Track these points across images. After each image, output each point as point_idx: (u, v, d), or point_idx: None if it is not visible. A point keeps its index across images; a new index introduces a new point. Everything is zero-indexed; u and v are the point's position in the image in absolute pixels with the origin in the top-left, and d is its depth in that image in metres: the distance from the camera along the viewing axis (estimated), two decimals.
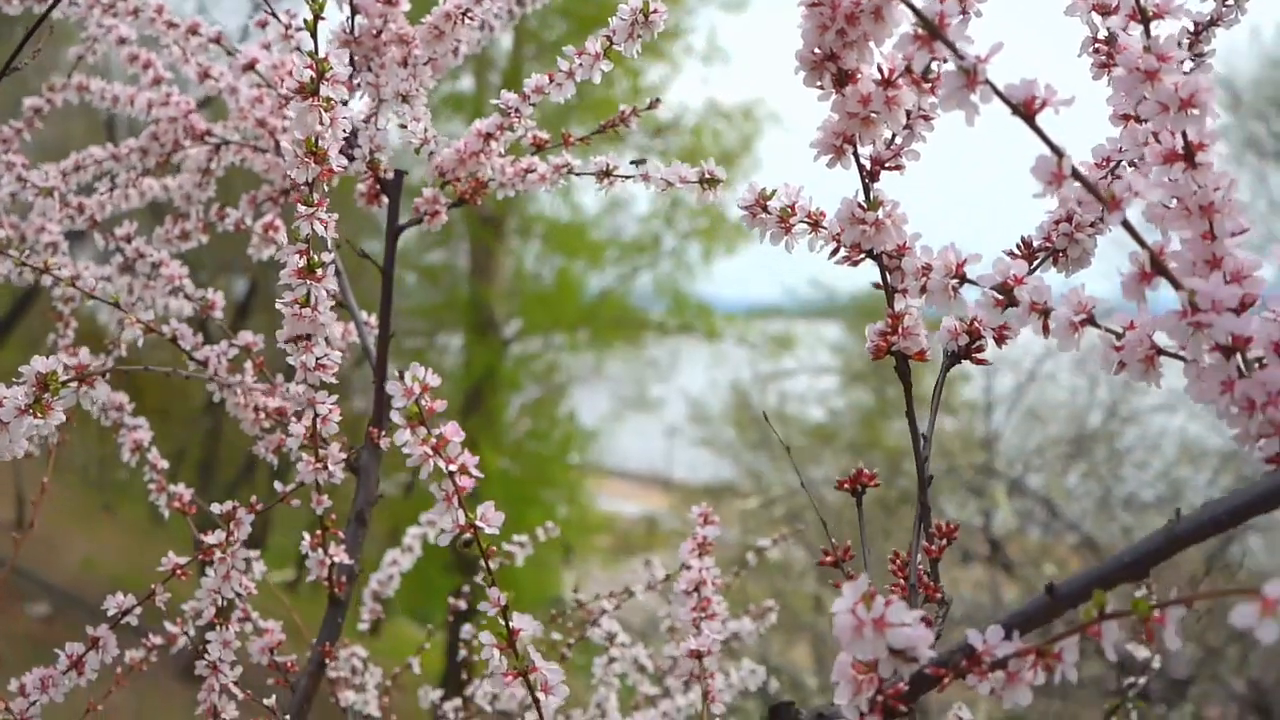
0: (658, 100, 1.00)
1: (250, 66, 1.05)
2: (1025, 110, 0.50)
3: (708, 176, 0.82)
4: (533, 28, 9.18)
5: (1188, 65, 0.71)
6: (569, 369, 12.58)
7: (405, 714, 1.32)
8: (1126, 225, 0.50)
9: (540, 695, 0.64)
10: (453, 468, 0.62)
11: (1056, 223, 0.68)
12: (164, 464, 1.09)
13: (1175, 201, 0.54)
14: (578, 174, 0.96)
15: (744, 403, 9.89)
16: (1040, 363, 6.34)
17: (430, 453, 0.61)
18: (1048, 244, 0.68)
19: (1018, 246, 0.69)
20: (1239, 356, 0.51)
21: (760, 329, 11.04)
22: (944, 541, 0.61)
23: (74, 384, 0.66)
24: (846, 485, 0.65)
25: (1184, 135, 0.53)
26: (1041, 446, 6.62)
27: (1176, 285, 0.51)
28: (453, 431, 0.62)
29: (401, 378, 0.60)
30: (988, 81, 0.50)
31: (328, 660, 0.98)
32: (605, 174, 0.94)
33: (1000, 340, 0.67)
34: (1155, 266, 0.51)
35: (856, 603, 0.50)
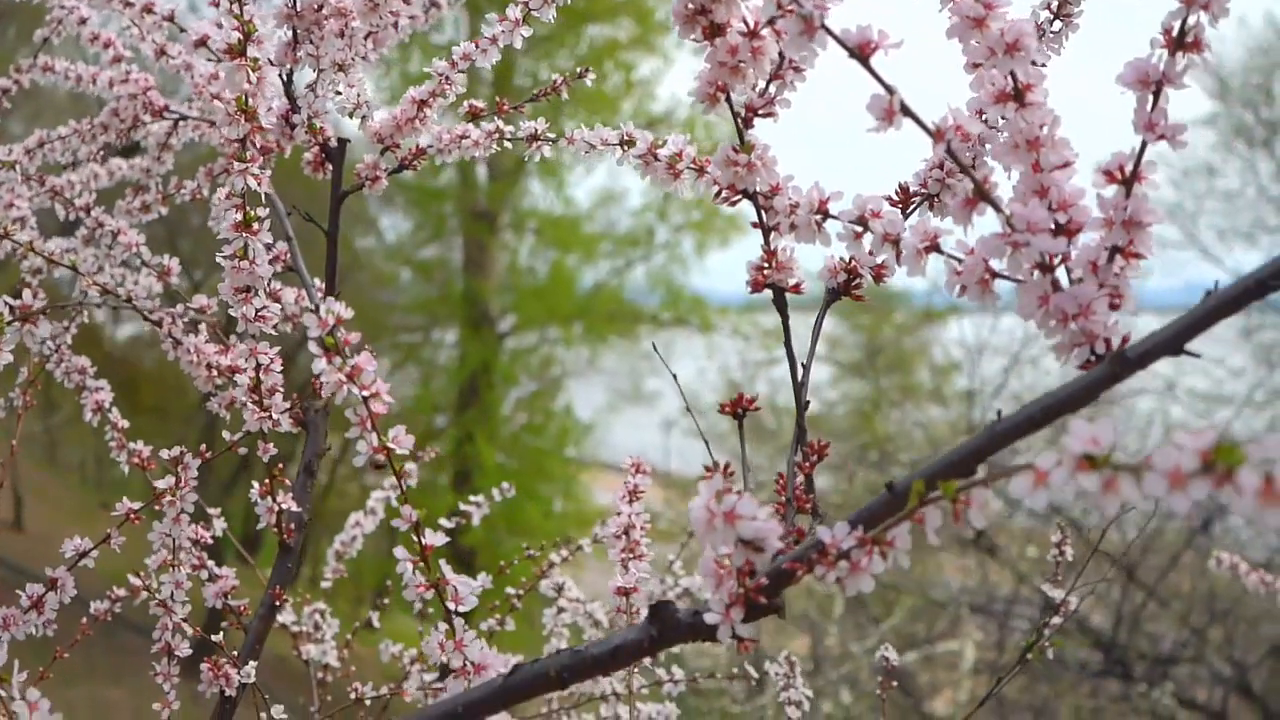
0: (588, 70, 1.06)
1: (202, 43, 1.10)
2: (860, 53, 0.56)
3: (627, 139, 0.88)
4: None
5: (1057, 25, 0.77)
6: (564, 363, 12.62)
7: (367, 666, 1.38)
8: (950, 153, 0.56)
9: (451, 605, 0.69)
10: (366, 393, 0.67)
11: (930, 169, 0.73)
12: (124, 423, 1.14)
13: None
14: (509, 139, 1.02)
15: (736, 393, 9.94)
16: (1024, 347, 6.40)
17: (345, 379, 0.66)
18: (923, 189, 0.73)
19: (895, 192, 0.74)
20: (1055, 274, 0.56)
21: (754, 322, 11.10)
22: (815, 458, 0.67)
23: (17, 323, 0.71)
24: (728, 409, 0.71)
25: (1013, 76, 0.59)
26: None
27: (999, 210, 0.56)
28: (366, 360, 0.67)
29: (317, 311, 0.66)
30: (824, 27, 0.55)
31: (278, 603, 1.03)
32: (534, 138, 1.00)
33: (878, 278, 0.73)
34: (979, 194, 0.57)
35: (710, 498, 0.55)
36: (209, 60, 1.10)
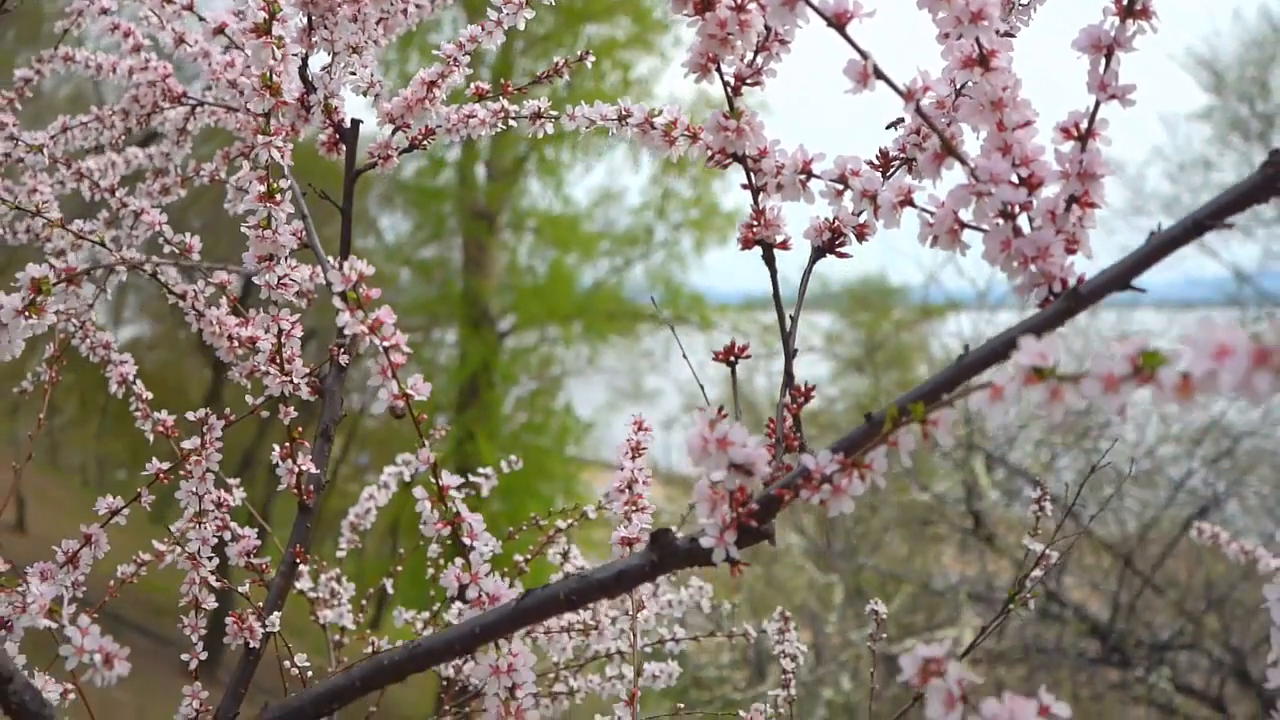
0: (587, 53, 1.11)
1: (220, 30, 1.16)
2: (837, 21, 0.61)
3: (624, 113, 0.93)
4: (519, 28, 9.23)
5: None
6: (564, 362, 12.67)
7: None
8: (919, 112, 0.61)
9: (467, 541, 0.75)
10: (388, 344, 0.72)
11: (908, 134, 0.79)
12: (149, 395, 1.20)
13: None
14: (512, 118, 1.07)
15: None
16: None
17: (367, 331, 0.72)
18: (902, 153, 0.79)
19: (876, 156, 0.80)
20: (1017, 221, 0.62)
21: (753, 319, 11.14)
22: (803, 400, 0.72)
23: (63, 285, 0.77)
24: (720, 357, 0.76)
25: (978, 43, 0.64)
26: (1025, 422, 6.74)
27: (964, 163, 0.62)
28: (386, 314, 0.73)
29: (340, 268, 0.71)
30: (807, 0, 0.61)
31: (298, 561, 1.09)
32: (537, 116, 1.05)
33: (860, 236, 0.78)
34: (946, 149, 0.62)
35: (705, 426, 0.61)
36: (226, 47, 1.16)
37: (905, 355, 10.54)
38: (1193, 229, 0.56)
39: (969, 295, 8.41)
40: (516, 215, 12.33)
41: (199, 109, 1.27)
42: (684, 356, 1.06)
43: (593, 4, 10.82)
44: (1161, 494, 6.70)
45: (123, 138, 1.28)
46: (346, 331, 0.72)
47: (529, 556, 1.41)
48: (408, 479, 1.57)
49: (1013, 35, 0.80)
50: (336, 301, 0.72)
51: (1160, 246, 0.57)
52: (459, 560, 0.75)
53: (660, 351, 12.63)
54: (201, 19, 1.18)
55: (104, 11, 1.28)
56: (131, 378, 1.20)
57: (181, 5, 1.18)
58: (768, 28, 0.69)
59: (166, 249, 1.18)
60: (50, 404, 1.26)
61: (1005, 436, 6.26)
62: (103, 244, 1.08)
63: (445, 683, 1.52)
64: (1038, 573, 1.14)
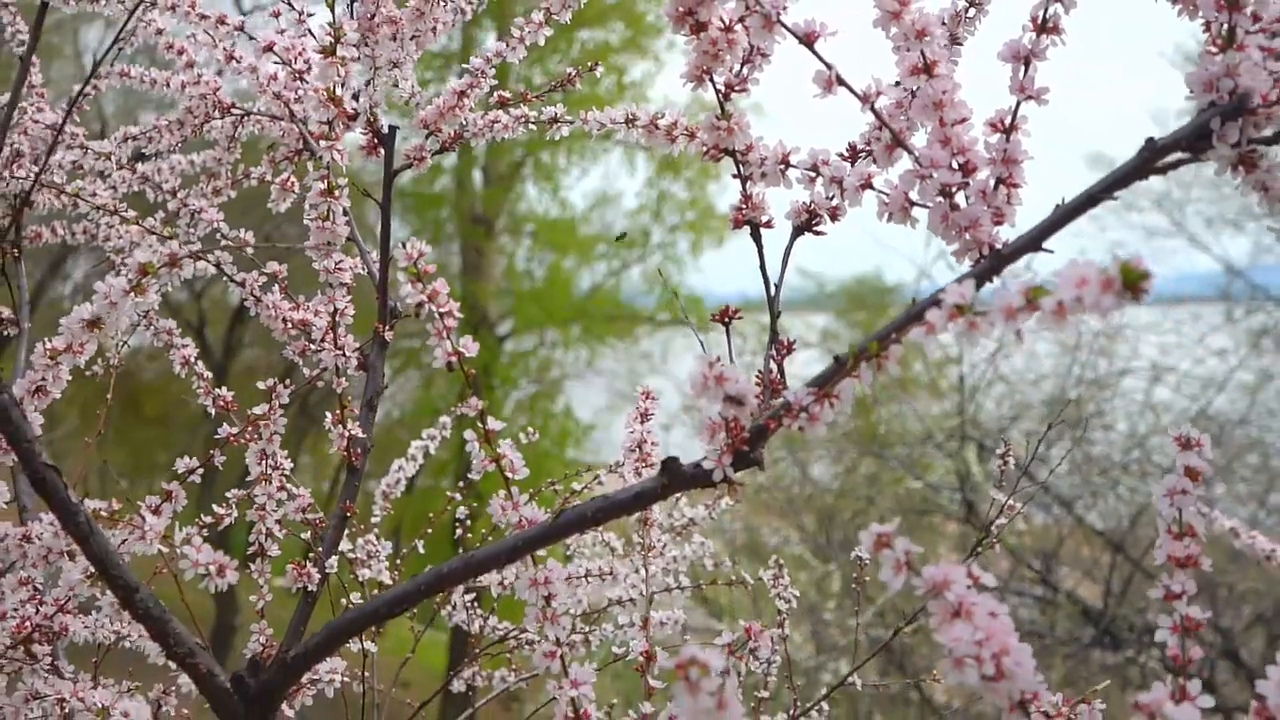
0: (597, 64, 1.26)
1: (269, 48, 1.31)
2: (807, 40, 0.76)
3: (631, 116, 1.08)
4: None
5: (971, 12, 0.97)
6: (563, 364, 12.80)
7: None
8: (873, 112, 0.76)
9: (509, 475, 0.90)
10: (442, 310, 0.87)
11: (870, 130, 0.93)
12: (209, 374, 1.34)
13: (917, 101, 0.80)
14: (532, 123, 1.22)
15: None
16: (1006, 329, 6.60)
17: (426, 299, 0.87)
18: (867, 146, 0.94)
19: (846, 149, 0.95)
20: (955, 199, 0.77)
21: (753, 320, 11.28)
22: (786, 351, 0.87)
23: (166, 268, 0.91)
24: (717, 318, 0.91)
25: (923, 55, 0.79)
26: (1017, 414, 6.90)
27: (910, 153, 0.77)
28: (441, 285, 0.88)
29: (404, 245, 0.86)
30: (780, 22, 0.76)
31: (348, 514, 1.23)
32: (554, 120, 1.20)
33: (834, 217, 0.93)
34: (895, 141, 0.77)
35: (704, 366, 0.75)
36: (274, 63, 1.31)
37: (902, 354, 10.66)
38: (1087, 201, 0.71)
39: None
40: (514, 219, 12.48)
41: (246, 118, 1.42)
42: (700, 344, 1.20)
43: (586, 9, 10.96)
44: (1151, 483, 6.85)
45: (180, 144, 1.43)
46: (407, 299, 0.87)
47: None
48: (431, 451, 1.72)
49: (960, 43, 0.95)
50: (401, 276, 0.87)
51: (1064, 215, 0.72)
52: (501, 491, 0.89)
53: (659, 353, 12.79)
54: (252, 39, 1.33)
55: (159, 32, 1.42)
56: (193, 359, 1.35)
57: (234, 26, 1.33)
58: (752, 45, 0.83)
59: (223, 243, 1.33)
60: (50, 417, 1.40)
61: (998, 427, 6.42)
62: (173, 237, 1.22)
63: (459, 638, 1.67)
64: (1002, 520, 1.28)
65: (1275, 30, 0.70)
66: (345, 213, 1.25)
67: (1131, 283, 0.53)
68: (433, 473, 10.29)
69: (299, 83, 1.28)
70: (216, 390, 1.31)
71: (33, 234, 1.57)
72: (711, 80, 0.85)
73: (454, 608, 1.69)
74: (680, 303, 1.38)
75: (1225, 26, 0.69)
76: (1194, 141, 0.69)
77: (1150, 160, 0.70)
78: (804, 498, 7.22)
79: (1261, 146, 0.70)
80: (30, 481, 0.79)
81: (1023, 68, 0.78)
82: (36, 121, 1.49)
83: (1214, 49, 0.69)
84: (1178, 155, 0.70)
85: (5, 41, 1.57)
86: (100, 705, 0.98)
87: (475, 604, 1.68)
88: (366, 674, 1.47)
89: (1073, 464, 6.55)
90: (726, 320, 0.91)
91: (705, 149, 0.87)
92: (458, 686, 1.68)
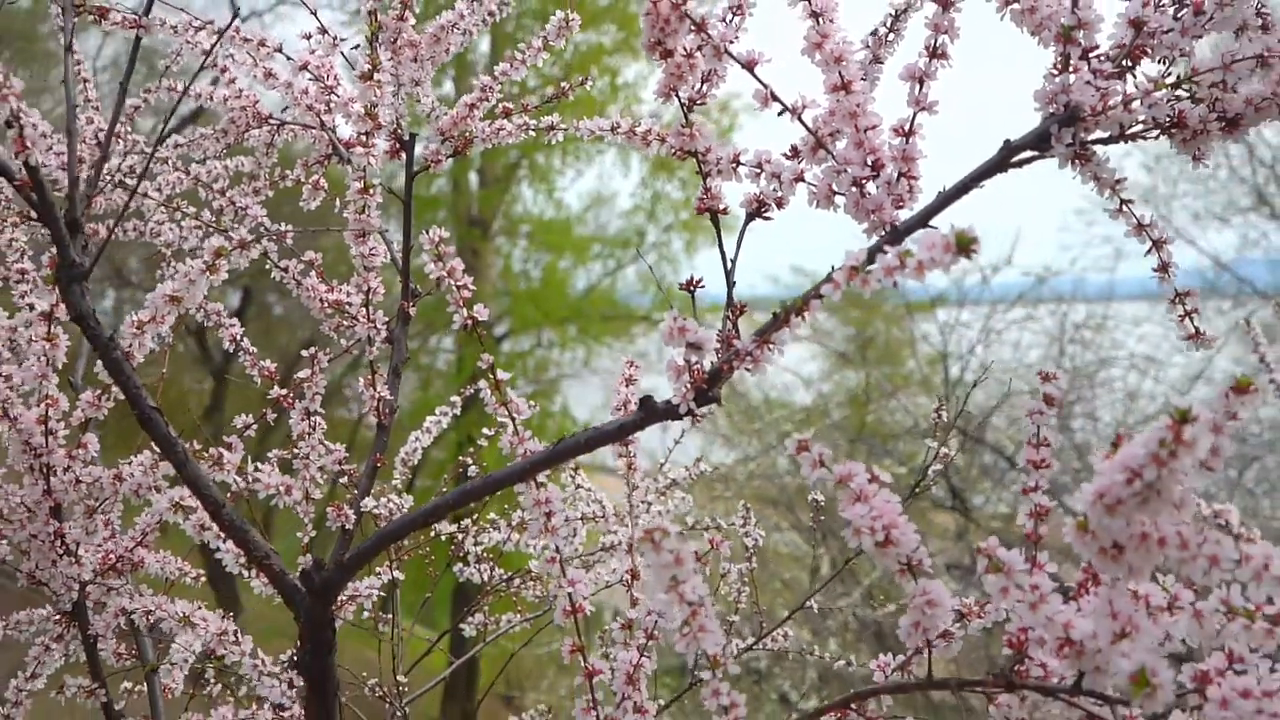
0: (586, 78, 1.48)
1: (304, 67, 1.52)
2: (748, 65, 0.98)
3: (616, 124, 1.29)
4: (509, 32, 9.63)
5: (891, 36, 1.18)
6: (560, 365, 13.00)
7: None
8: (801, 121, 0.98)
9: (514, 416, 1.11)
10: (459, 283, 1.09)
11: (804, 136, 1.15)
12: (254, 350, 1.56)
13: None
14: (533, 130, 1.44)
15: (731, 391, 10.36)
16: (989, 319, 6.85)
17: (445, 275, 1.08)
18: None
19: (790, 149, 1.16)
20: (865, 189, 0.98)
21: (748, 319, 11.48)
22: (739, 311, 1.09)
23: (235, 251, 1.12)
24: (685, 287, 1.13)
25: (840, 75, 1.01)
26: (1000, 403, 7.13)
27: (830, 153, 0.98)
28: (458, 264, 1.09)
29: (427, 231, 1.07)
30: (727, 52, 0.97)
31: (378, 465, 1.45)
32: (551, 128, 1.42)
33: (779, 205, 1.14)
34: (818, 144, 0.99)
35: (672, 320, 0.97)
36: (309, 80, 1.52)
37: (895, 350, 10.86)
38: (960, 189, 0.93)
39: (950, 292, 8.78)
40: (509, 221, 12.70)
41: (282, 128, 1.63)
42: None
43: (579, 11, 11.16)
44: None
45: (223, 152, 1.64)
46: (428, 274, 1.09)
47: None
48: (445, 425, 1.93)
49: (881, 62, 1.16)
50: (425, 256, 1.08)
51: (941, 202, 0.93)
52: (510, 429, 1.11)
53: (655, 352, 12.98)
54: (289, 58, 1.54)
55: (205, 53, 1.63)
56: (240, 336, 1.57)
57: (273, 48, 1.54)
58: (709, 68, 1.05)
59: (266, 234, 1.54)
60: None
61: (981, 415, 6.64)
62: (226, 231, 1.43)
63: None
64: (938, 466, 1.50)
65: (1102, 58, 0.91)
66: (378, 206, 1.46)
67: (963, 246, 0.74)
68: (432, 473, 10.49)
69: (329, 96, 1.49)
70: (261, 363, 1.52)
71: (90, 231, 1.78)
72: (678, 95, 1.07)
73: (465, 562, 1.90)
74: (672, 302, 1.58)
75: (1062, 54, 0.90)
76: (1038, 143, 0.90)
77: (1008, 157, 0.92)
78: (795, 488, 7.43)
79: (1093, 146, 0.91)
80: (138, 420, 1.00)
81: (918, 85, 0.99)
82: (92, 124, 1.70)
83: (1054, 71, 0.91)
84: (1028, 153, 0.92)
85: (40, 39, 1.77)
86: (181, 614, 1.19)
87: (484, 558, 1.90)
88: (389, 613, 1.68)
89: (1053, 452, 6.75)
90: (691, 289, 1.12)
91: (673, 150, 1.09)
92: (469, 631, 1.90)
